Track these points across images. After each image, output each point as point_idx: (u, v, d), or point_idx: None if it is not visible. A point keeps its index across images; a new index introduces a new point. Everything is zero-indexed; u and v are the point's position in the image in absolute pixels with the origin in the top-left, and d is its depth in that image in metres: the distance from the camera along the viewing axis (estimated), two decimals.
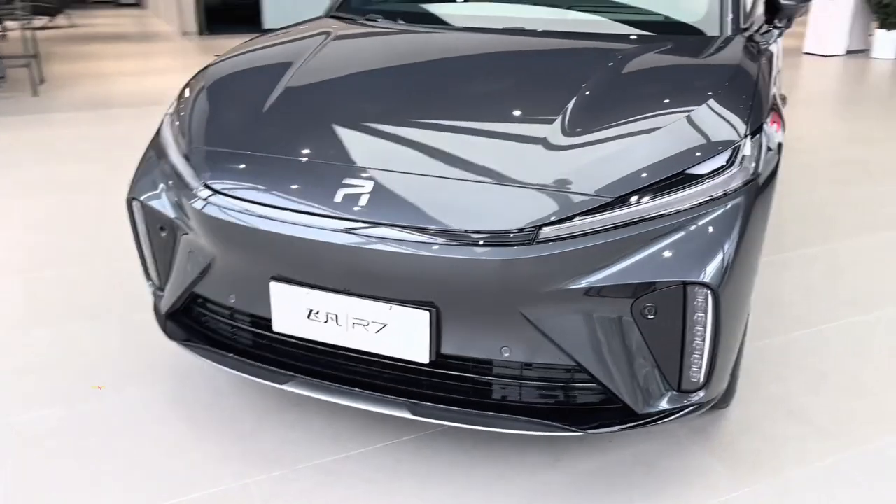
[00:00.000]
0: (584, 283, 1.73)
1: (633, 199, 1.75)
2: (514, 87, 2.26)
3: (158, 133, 2.35)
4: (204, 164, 2.06)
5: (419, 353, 1.84)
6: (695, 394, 1.86)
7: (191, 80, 2.51)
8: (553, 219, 1.72)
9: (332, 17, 3.05)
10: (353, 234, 1.80)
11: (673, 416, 1.86)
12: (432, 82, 2.34)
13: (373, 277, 1.82)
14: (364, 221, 1.80)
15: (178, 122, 2.27)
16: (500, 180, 1.81)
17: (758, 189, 1.87)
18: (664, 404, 1.86)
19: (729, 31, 2.53)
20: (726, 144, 1.86)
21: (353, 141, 2.03)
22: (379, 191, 1.84)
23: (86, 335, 2.82)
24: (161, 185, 2.17)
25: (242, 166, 2.02)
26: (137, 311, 2.96)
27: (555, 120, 1.96)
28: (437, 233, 1.75)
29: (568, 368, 1.86)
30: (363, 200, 1.83)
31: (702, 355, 1.81)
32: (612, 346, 1.79)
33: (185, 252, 2.15)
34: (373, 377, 1.98)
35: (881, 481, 2.09)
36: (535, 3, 2.85)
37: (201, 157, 2.08)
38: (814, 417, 2.36)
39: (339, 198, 1.85)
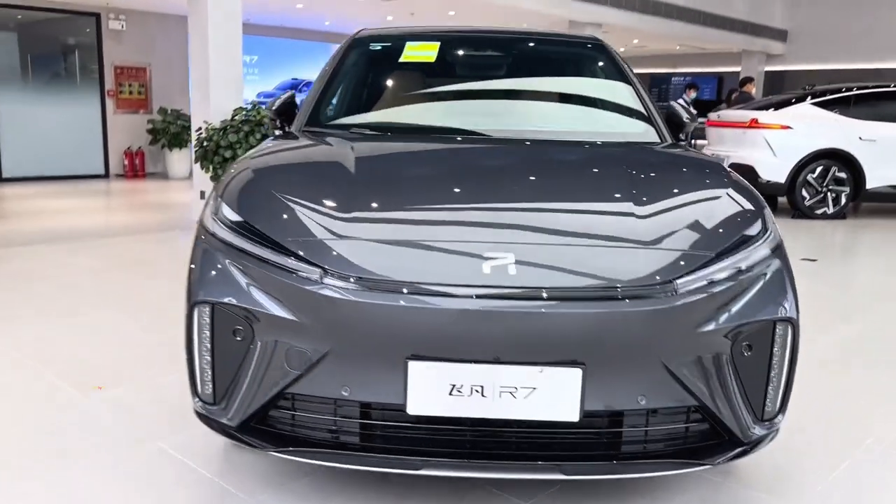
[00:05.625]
0: (709, 327, 2.02)
1: (727, 255, 2.11)
2: (572, 177, 2.57)
3: (212, 234, 2.22)
4: (321, 253, 2.03)
5: (569, 412, 1.96)
6: (776, 419, 2.19)
7: (233, 177, 2.42)
8: (682, 272, 2.01)
9: (306, 132, 3.11)
10: (505, 302, 1.91)
11: (767, 440, 2.17)
12: (502, 174, 2.56)
13: (525, 343, 1.93)
14: (516, 288, 1.93)
15: (262, 219, 2.18)
16: (624, 242, 2.08)
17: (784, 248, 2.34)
18: (758, 431, 2.16)
19: (669, 141, 3.10)
20: (757, 213, 2.32)
21: (473, 218, 2.18)
22: (523, 261, 1.99)
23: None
24: (247, 284, 2.07)
25: (366, 249, 2.03)
26: None
27: (626, 197, 2.29)
28: (588, 292, 1.94)
29: (686, 409, 2.09)
30: (511, 270, 1.96)
31: (778, 385, 2.17)
32: (723, 382, 2.07)
33: (270, 353, 2.04)
34: (508, 446, 2.03)
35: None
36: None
37: (314, 246, 2.05)
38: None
39: (486, 269, 1.96)
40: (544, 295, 1.94)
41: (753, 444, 2.15)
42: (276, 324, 2.02)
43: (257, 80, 14.58)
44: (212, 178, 7.05)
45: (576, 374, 1.94)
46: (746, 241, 2.19)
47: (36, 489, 2.39)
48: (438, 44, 3.50)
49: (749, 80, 12.00)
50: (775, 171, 9.09)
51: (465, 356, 1.94)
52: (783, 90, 16.34)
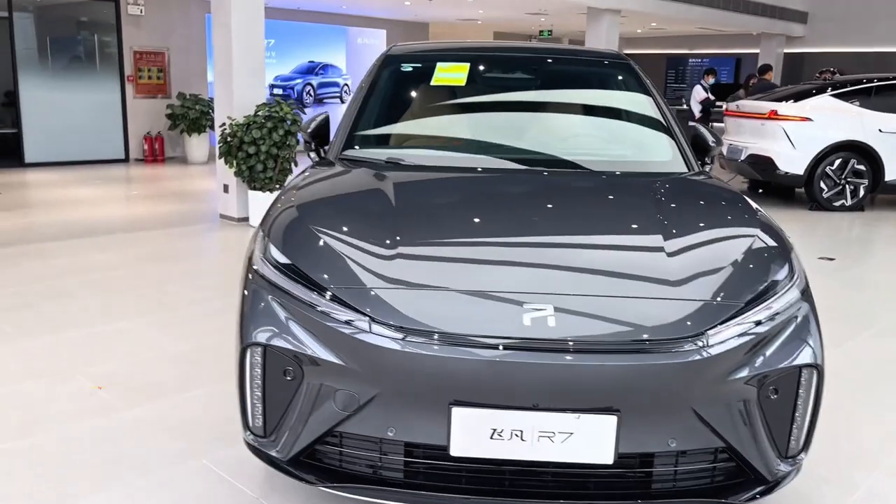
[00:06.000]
0: (739, 375, 2.11)
1: (756, 302, 2.20)
2: (605, 216, 2.68)
3: (262, 276, 2.32)
4: (368, 301, 2.13)
5: (604, 455, 2.06)
6: (799, 456, 2.29)
7: (279, 214, 2.53)
8: (714, 323, 2.10)
9: (343, 159, 3.19)
10: (545, 354, 2.01)
11: (791, 477, 2.27)
12: (540, 215, 2.65)
13: (563, 391, 2.03)
14: (555, 341, 2.03)
15: (309, 262, 2.28)
16: (657, 288, 2.18)
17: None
18: (783, 469, 2.26)
19: (695, 169, 3.18)
20: (785, 256, 2.41)
21: (513, 258, 2.31)
22: (561, 309, 2.09)
23: None
24: (297, 328, 2.17)
25: (411, 297, 2.13)
26: None
27: (658, 238, 2.40)
28: (623, 345, 2.04)
29: (714, 451, 2.19)
30: (550, 322, 2.06)
31: (802, 425, 2.26)
32: (750, 424, 2.17)
33: (319, 393, 2.15)
34: (545, 485, 2.14)
35: None
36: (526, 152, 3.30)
37: (361, 294, 2.15)
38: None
39: (527, 321, 2.06)
40: (582, 347, 2.03)
41: (778, 482, 2.25)
42: (325, 367, 2.12)
43: (274, 63, 14.60)
44: (235, 174, 7.15)
45: (611, 420, 2.04)
46: (775, 286, 2.27)
47: None
48: (468, 65, 3.57)
49: (768, 67, 11.92)
50: (794, 162, 9.10)
51: (505, 403, 2.04)
52: (802, 73, 16.23)
